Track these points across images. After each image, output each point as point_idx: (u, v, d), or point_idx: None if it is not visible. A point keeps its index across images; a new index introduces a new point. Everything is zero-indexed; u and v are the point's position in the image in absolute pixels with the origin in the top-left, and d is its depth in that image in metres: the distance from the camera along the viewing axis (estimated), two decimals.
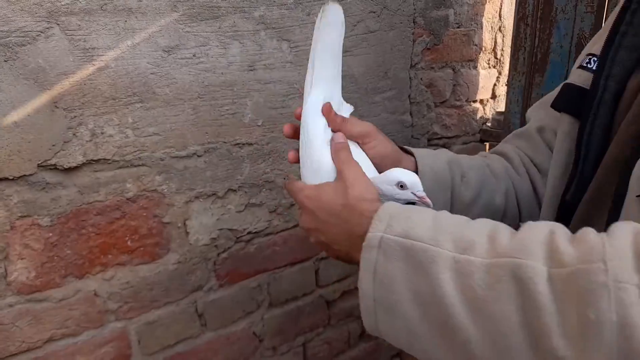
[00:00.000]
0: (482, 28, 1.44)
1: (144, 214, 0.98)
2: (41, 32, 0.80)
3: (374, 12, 1.21)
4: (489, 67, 1.52)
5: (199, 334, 1.14)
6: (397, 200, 0.59)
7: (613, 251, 0.41)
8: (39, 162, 0.84)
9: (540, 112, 0.84)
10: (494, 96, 1.58)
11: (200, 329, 1.14)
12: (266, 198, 1.16)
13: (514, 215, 0.80)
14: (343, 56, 1.17)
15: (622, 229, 0.43)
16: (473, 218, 0.69)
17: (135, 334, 1.03)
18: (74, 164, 0.87)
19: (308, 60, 0.71)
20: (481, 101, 1.54)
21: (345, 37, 1.15)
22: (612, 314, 0.39)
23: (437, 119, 1.43)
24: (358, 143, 0.69)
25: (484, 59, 1.49)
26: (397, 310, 0.50)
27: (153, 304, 1.04)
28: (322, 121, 0.68)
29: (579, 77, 0.70)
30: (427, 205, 0.59)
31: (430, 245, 0.48)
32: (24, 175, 0.83)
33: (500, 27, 1.49)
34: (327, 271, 1.34)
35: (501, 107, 1.58)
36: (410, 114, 1.36)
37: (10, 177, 0.82)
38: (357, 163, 0.62)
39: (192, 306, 1.11)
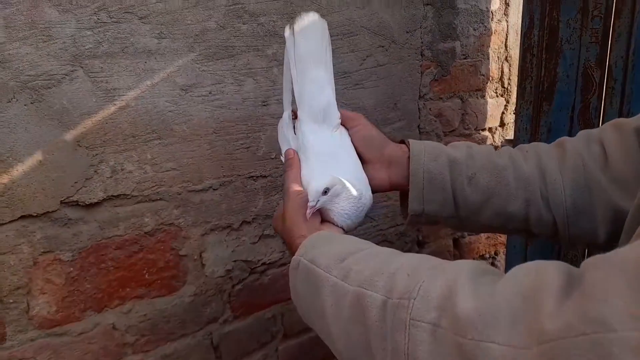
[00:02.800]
0: (488, 59, 1.47)
1: (162, 247, 1.00)
2: (66, 75, 0.83)
3: (383, 47, 1.24)
4: (497, 96, 1.55)
5: None
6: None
7: (423, 289, 0.47)
8: (62, 199, 0.87)
9: None
10: (502, 124, 1.60)
11: None
12: None
13: (545, 223, 0.72)
14: (353, 89, 1.21)
15: (456, 267, 0.48)
16: (484, 223, 0.75)
17: None
18: (95, 200, 0.90)
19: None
20: (490, 129, 1.56)
21: (355, 71, 1.21)
22: (406, 347, 0.45)
23: None
24: (347, 129, 0.77)
25: (491, 88, 1.52)
26: (304, 313, 0.63)
27: (169, 337, 1.05)
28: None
29: None
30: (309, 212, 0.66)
31: (322, 271, 0.58)
32: (48, 211, 0.86)
33: (506, 57, 1.53)
34: None
35: (510, 134, 1.60)
36: None
37: (34, 214, 0.85)
38: (296, 188, 0.69)
39: (208, 338, 1.11)
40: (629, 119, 0.70)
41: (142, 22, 0.89)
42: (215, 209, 1.06)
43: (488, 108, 1.53)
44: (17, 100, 0.80)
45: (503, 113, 1.59)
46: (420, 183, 0.73)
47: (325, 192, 0.66)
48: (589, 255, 1.36)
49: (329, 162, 0.71)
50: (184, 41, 0.94)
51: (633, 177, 0.66)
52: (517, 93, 1.42)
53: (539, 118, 1.38)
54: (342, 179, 0.69)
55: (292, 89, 0.75)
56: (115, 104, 0.89)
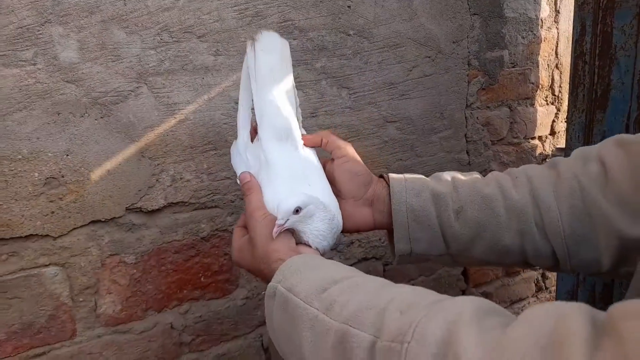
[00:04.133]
0: (538, 66, 1.45)
1: (216, 252, 1.06)
2: (132, 92, 0.90)
3: (429, 57, 1.26)
4: (547, 104, 1.52)
5: None
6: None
7: (419, 332, 0.41)
8: (127, 206, 0.93)
9: None
10: (553, 132, 1.57)
11: None
12: None
13: (543, 254, 0.67)
14: (399, 99, 1.23)
15: (457, 306, 0.42)
16: (478, 259, 0.69)
17: None
18: (156, 207, 0.96)
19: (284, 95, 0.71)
20: (540, 138, 1.54)
21: (401, 82, 1.23)
22: None
23: (494, 156, 1.44)
24: (332, 159, 0.72)
25: (541, 96, 1.50)
26: (280, 348, 0.57)
27: (223, 337, 1.10)
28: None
29: None
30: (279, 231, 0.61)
31: (302, 301, 0.52)
32: (114, 217, 0.93)
33: (557, 65, 1.50)
34: None
35: (561, 143, 1.57)
36: (467, 152, 1.39)
37: (103, 220, 0.92)
38: (262, 211, 0.64)
39: (258, 340, 1.16)
40: (634, 136, 0.63)
41: (200, 41, 0.95)
42: None
43: (538, 116, 1.50)
44: (89, 115, 0.87)
45: (554, 121, 1.56)
46: (405, 222, 0.67)
47: (297, 211, 0.61)
48: None
49: (297, 182, 0.67)
50: (239, 57, 0.99)
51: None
52: (568, 101, 1.39)
53: (592, 126, 1.35)
54: (318, 198, 0.64)
55: (252, 107, 0.72)
56: (175, 118, 0.95)
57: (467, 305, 0.41)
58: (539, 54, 1.45)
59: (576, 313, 0.35)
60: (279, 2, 1.02)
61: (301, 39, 1.06)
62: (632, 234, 0.59)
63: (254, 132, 0.73)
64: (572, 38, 1.32)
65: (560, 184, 0.65)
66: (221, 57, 0.98)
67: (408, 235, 0.68)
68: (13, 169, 0.82)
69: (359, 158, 0.72)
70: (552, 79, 1.51)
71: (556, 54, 1.49)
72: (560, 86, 1.52)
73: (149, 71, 0.91)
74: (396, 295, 0.47)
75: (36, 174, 0.84)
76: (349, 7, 1.11)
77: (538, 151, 1.54)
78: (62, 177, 0.86)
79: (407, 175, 0.71)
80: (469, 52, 1.31)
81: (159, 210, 0.97)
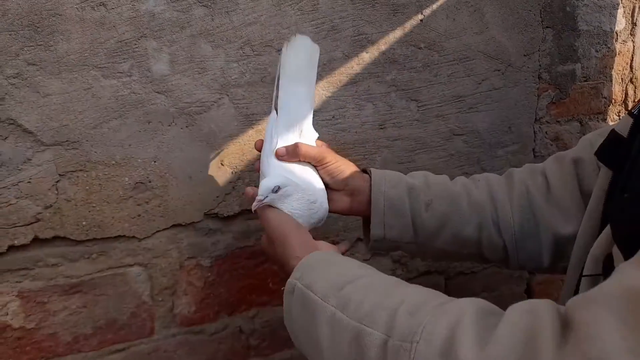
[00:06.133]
0: (611, 80, 1.41)
1: None
2: (214, 102, 0.95)
3: (499, 70, 1.25)
4: (620, 120, 1.47)
5: None
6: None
7: (426, 332, 0.46)
8: (205, 211, 0.97)
9: (589, 143, 0.76)
10: None
11: None
12: None
13: (496, 247, 0.79)
14: (467, 112, 1.23)
15: (459, 308, 0.48)
16: (440, 248, 0.81)
17: None
18: (232, 213, 1.00)
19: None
20: None
21: (469, 95, 1.22)
22: None
23: None
24: (314, 166, 0.81)
25: (613, 111, 1.45)
26: (298, 340, 0.64)
27: (287, 343, 1.12)
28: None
29: (622, 123, 0.65)
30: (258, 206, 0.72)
31: (320, 299, 0.58)
32: (193, 222, 0.97)
33: (631, 79, 1.45)
34: None
35: None
36: None
37: (183, 224, 0.96)
38: (275, 213, 0.73)
39: None
40: (568, 151, 0.80)
41: (279, 54, 0.98)
42: (332, 225, 1.12)
43: None
44: (176, 124, 0.92)
45: None
46: (382, 209, 0.78)
47: (276, 190, 0.71)
48: None
49: (291, 167, 0.78)
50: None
51: (571, 203, 0.73)
52: None
53: None
54: (296, 182, 0.74)
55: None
56: (252, 128, 0.99)
57: (468, 307, 0.48)
58: (612, 67, 1.40)
59: (546, 310, 0.43)
60: (354, 16, 1.04)
61: (373, 52, 1.08)
62: (564, 232, 0.73)
63: None
64: None
65: (513, 188, 0.79)
66: None
67: (383, 221, 0.78)
68: (107, 173, 0.87)
69: (339, 158, 0.82)
70: (626, 94, 1.45)
71: (631, 67, 1.44)
72: (634, 101, 1.47)
73: (231, 83, 0.95)
74: (406, 297, 0.53)
75: (126, 179, 0.89)
76: (421, 20, 1.12)
77: None
78: (149, 182, 0.91)
79: (387, 171, 0.83)
80: (539, 65, 1.29)
81: (234, 216, 1.01)
